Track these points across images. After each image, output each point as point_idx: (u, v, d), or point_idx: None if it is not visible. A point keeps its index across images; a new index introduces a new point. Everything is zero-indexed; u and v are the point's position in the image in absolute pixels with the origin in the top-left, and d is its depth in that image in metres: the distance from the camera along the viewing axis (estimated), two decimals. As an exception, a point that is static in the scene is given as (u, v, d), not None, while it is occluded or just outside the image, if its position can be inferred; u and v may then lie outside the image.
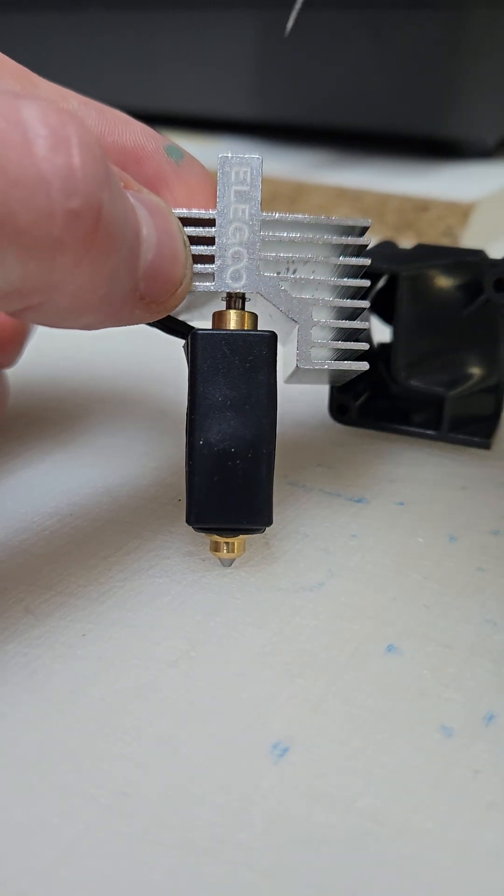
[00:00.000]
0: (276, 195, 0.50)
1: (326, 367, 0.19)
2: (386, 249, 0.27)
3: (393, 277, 0.24)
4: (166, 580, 0.19)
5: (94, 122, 0.19)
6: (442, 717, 0.15)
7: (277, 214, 0.18)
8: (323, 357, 0.19)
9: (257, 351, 0.18)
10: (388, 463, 0.24)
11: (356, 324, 0.19)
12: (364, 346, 0.19)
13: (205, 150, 0.24)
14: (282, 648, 0.17)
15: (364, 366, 0.19)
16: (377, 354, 0.26)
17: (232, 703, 0.16)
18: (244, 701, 0.16)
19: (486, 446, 0.24)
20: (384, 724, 0.15)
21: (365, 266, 0.19)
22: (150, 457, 0.24)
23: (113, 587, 0.19)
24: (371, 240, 0.19)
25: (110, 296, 0.15)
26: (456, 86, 0.51)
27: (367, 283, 0.19)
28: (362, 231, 0.19)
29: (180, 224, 0.17)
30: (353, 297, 0.19)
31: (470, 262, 0.24)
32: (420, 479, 0.23)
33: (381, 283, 0.24)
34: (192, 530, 0.18)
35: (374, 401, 0.26)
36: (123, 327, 0.17)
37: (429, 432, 0.25)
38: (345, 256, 0.19)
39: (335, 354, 0.19)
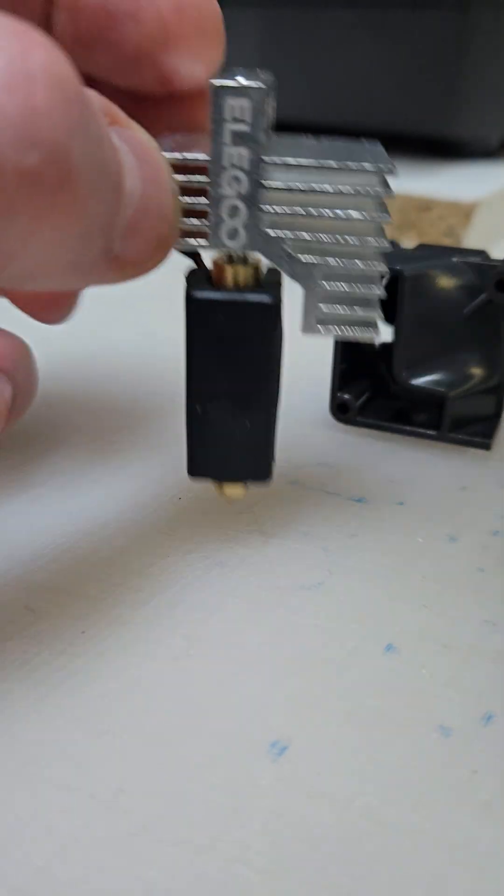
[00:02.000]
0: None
1: (332, 334, 0.17)
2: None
3: (395, 277, 0.24)
4: (165, 578, 0.19)
5: None
6: (440, 716, 0.15)
7: (285, 158, 0.15)
8: (330, 322, 0.17)
9: (258, 316, 0.16)
10: (389, 463, 0.24)
11: (367, 289, 0.17)
12: (374, 314, 0.17)
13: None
14: (280, 647, 0.17)
15: (372, 336, 0.17)
16: (378, 354, 0.26)
17: (230, 702, 0.16)
18: (242, 699, 0.16)
19: (487, 447, 0.24)
20: (382, 724, 0.15)
21: (381, 225, 0.16)
22: (150, 455, 0.24)
23: (112, 585, 0.19)
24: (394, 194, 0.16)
25: (78, 261, 0.13)
26: (459, 85, 0.51)
27: (388, 246, 0.17)
28: (384, 183, 0.16)
29: (171, 169, 0.15)
30: (366, 261, 0.17)
31: (472, 263, 0.24)
32: (420, 479, 0.23)
33: (382, 283, 0.24)
34: (191, 530, 0.18)
35: (374, 400, 0.26)
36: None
37: (429, 432, 0.25)
38: (357, 211, 0.16)
39: (343, 321, 0.17)
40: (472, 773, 0.14)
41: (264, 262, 0.17)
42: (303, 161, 0.15)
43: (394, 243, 0.28)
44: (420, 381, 0.24)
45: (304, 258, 0.16)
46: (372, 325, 0.17)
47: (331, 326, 0.17)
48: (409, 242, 0.32)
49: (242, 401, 0.17)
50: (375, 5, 0.51)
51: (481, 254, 0.25)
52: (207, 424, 0.17)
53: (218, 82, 0.14)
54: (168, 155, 0.15)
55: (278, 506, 0.22)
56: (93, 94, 0.13)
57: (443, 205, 0.45)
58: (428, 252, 0.26)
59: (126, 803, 0.14)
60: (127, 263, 0.14)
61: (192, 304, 0.16)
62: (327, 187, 0.16)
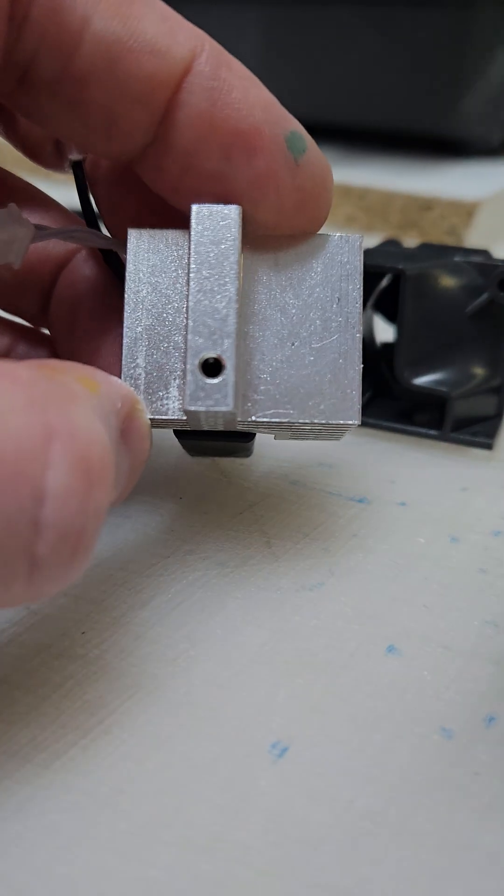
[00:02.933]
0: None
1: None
2: (390, 248, 0.27)
3: (397, 276, 0.24)
4: (166, 579, 0.19)
5: (203, 90, 0.14)
6: (442, 718, 0.15)
7: (254, 416, 0.17)
8: (301, 439, 0.19)
9: (240, 450, 0.19)
10: (390, 463, 0.24)
11: (334, 431, 0.18)
12: (342, 434, 0.18)
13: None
14: (282, 648, 0.17)
15: (336, 439, 0.19)
16: (380, 354, 0.26)
17: (231, 703, 0.16)
18: (243, 700, 0.16)
19: (489, 447, 0.24)
20: (383, 725, 0.15)
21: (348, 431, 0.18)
22: (151, 453, 0.24)
23: (112, 585, 0.19)
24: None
25: None
26: (461, 83, 0.51)
27: (350, 430, 0.18)
28: (352, 426, 0.17)
29: (151, 439, 0.16)
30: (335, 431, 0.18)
31: (474, 262, 0.24)
32: (422, 480, 0.23)
33: (385, 282, 0.24)
34: (192, 530, 0.19)
35: (376, 400, 0.26)
36: None
37: (431, 433, 0.25)
38: (335, 432, 0.18)
39: (313, 438, 0.19)
40: (473, 775, 0.14)
41: None
42: (277, 420, 0.17)
43: (396, 243, 0.28)
44: (422, 380, 0.24)
45: (281, 436, 0.19)
46: (339, 436, 0.19)
47: (298, 441, 0.19)
48: (410, 242, 0.32)
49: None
50: (378, 3, 0.50)
51: (483, 253, 0.25)
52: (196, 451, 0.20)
53: (192, 407, 0.16)
54: (153, 416, 0.16)
55: (279, 506, 0.22)
56: (117, 419, 0.14)
57: (445, 204, 0.45)
58: (430, 251, 0.26)
59: (126, 804, 0.14)
60: None
61: (181, 441, 0.18)
62: (303, 429, 0.17)
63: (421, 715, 0.15)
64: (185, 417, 0.16)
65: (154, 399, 0.16)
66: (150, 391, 0.16)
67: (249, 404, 0.17)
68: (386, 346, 0.26)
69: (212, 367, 0.16)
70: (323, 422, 0.17)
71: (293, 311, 0.17)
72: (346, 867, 0.13)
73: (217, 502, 0.22)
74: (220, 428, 0.17)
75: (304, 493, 0.22)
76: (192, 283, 0.16)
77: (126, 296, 0.17)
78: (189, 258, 0.16)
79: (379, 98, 0.53)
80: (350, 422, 0.17)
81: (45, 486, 0.11)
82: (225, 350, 0.16)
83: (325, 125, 0.57)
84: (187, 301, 0.16)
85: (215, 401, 0.15)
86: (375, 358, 0.26)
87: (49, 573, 0.12)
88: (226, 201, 0.16)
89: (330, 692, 0.16)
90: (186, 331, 0.16)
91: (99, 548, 0.20)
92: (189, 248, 0.16)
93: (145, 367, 0.17)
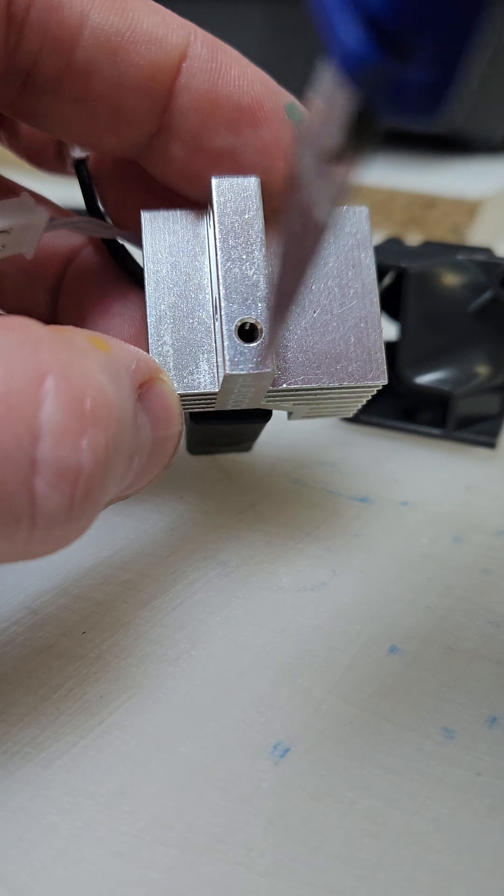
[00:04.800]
0: (283, 191, 0.50)
1: (312, 418, 0.19)
2: (392, 246, 0.27)
3: (400, 274, 0.23)
4: (167, 578, 0.19)
5: (202, 72, 0.15)
6: (444, 719, 0.15)
7: (285, 384, 0.17)
8: (314, 416, 0.19)
9: (253, 429, 0.19)
10: (393, 462, 0.24)
11: (346, 406, 0.18)
12: (353, 411, 0.19)
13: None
14: (283, 648, 0.17)
15: (349, 413, 0.19)
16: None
17: (232, 703, 0.16)
18: (245, 701, 0.16)
19: (492, 446, 0.24)
20: (386, 726, 0.15)
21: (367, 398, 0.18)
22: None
23: (114, 585, 0.19)
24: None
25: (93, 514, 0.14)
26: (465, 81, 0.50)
27: (363, 401, 0.18)
28: (374, 388, 0.17)
29: (181, 413, 0.16)
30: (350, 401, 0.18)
31: (477, 260, 0.24)
32: (425, 479, 0.23)
33: (387, 280, 0.24)
34: (193, 529, 0.18)
35: (379, 399, 0.26)
36: None
37: (434, 431, 0.25)
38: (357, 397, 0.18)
39: (326, 415, 0.19)
40: (476, 776, 0.14)
41: None
42: (308, 386, 0.17)
43: (398, 241, 0.28)
44: (425, 379, 0.24)
45: (298, 413, 0.18)
46: (352, 411, 0.19)
47: (315, 417, 0.19)
48: (413, 240, 0.32)
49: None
50: None
51: (486, 251, 0.25)
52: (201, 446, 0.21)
53: (233, 371, 0.15)
54: (183, 390, 0.16)
55: (281, 505, 0.22)
56: (129, 381, 0.14)
57: (448, 202, 0.45)
58: (433, 249, 0.26)
59: (127, 805, 0.14)
60: (133, 489, 0.15)
61: (194, 421, 0.18)
62: (328, 397, 0.17)
63: (423, 715, 0.15)
64: (215, 391, 0.16)
65: (184, 374, 0.16)
66: (180, 367, 0.16)
67: (279, 373, 0.17)
68: (388, 344, 0.26)
69: (248, 333, 0.16)
70: (352, 385, 0.17)
71: (311, 281, 0.17)
72: (347, 869, 0.13)
73: (218, 501, 0.22)
74: (246, 404, 0.17)
75: (305, 492, 0.22)
76: (219, 252, 0.16)
77: (146, 276, 0.17)
78: (214, 229, 0.16)
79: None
80: (378, 382, 0.17)
81: (39, 423, 0.12)
82: (260, 314, 0.16)
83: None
84: (217, 271, 0.16)
85: (255, 364, 0.15)
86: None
87: (50, 516, 0.12)
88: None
89: (332, 693, 0.16)
90: (220, 299, 0.16)
91: (99, 547, 0.20)
92: (213, 220, 0.16)
93: (172, 343, 0.17)
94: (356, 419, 0.25)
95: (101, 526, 0.21)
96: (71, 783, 0.14)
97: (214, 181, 0.16)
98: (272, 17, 0.54)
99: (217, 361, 0.16)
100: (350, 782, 0.14)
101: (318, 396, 0.17)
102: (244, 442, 0.20)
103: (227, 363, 0.15)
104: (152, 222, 0.17)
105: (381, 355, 0.17)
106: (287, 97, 0.16)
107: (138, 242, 0.17)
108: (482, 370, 0.24)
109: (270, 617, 0.18)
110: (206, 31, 0.16)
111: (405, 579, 0.19)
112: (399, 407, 0.26)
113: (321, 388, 0.17)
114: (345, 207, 0.17)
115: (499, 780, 0.14)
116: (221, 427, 0.18)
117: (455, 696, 0.16)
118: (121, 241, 0.19)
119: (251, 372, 0.15)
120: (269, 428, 0.19)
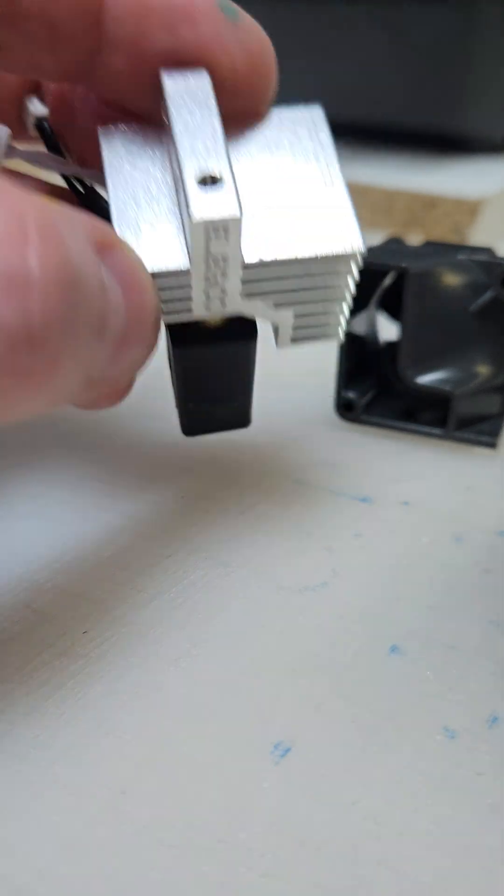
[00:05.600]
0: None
1: (303, 344, 0.19)
2: (393, 246, 0.27)
3: (400, 274, 0.23)
4: (168, 578, 0.19)
5: None
6: (445, 718, 0.15)
7: (260, 257, 0.16)
8: (301, 339, 0.18)
9: (239, 353, 0.18)
10: (394, 462, 0.24)
11: (334, 318, 0.18)
12: (341, 328, 0.18)
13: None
14: (284, 648, 0.17)
15: (339, 338, 0.19)
16: (384, 352, 0.26)
17: (233, 703, 0.16)
18: (246, 700, 0.16)
19: (493, 446, 0.24)
20: (386, 725, 0.15)
21: (351, 287, 0.18)
22: (153, 452, 0.24)
23: (115, 585, 0.19)
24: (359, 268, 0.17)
25: (60, 398, 0.14)
26: (465, 80, 0.50)
27: (348, 300, 0.18)
28: (354, 259, 0.17)
29: (154, 286, 0.15)
30: (335, 302, 0.18)
31: (478, 260, 0.24)
32: (425, 479, 0.23)
33: (388, 280, 0.24)
34: (194, 529, 0.18)
35: (380, 399, 0.26)
36: None
37: (435, 431, 0.25)
38: (331, 280, 0.17)
39: (313, 335, 0.19)
40: (477, 776, 0.14)
41: None
42: (281, 256, 0.17)
43: (399, 241, 0.28)
44: (425, 379, 0.24)
45: (280, 311, 0.17)
46: (338, 327, 0.18)
47: (301, 340, 0.18)
48: (414, 239, 0.32)
49: (230, 403, 0.20)
50: (383, 0, 0.50)
51: (487, 251, 0.25)
52: (195, 414, 0.20)
53: (199, 217, 0.15)
54: (153, 268, 0.16)
55: (282, 505, 0.22)
56: (86, 229, 0.14)
57: (448, 201, 0.45)
58: (433, 249, 0.26)
59: (128, 805, 0.14)
60: (122, 361, 0.15)
61: (176, 350, 0.18)
62: (305, 271, 0.17)
63: (424, 715, 0.15)
64: (187, 268, 0.16)
65: (153, 255, 0.16)
66: (147, 248, 0.16)
67: (252, 250, 0.16)
68: (389, 344, 0.26)
69: (210, 182, 0.15)
70: (327, 253, 0.17)
71: (272, 171, 0.17)
72: (348, 869, 0.13)
73: (219, 501, 0.22)
74: (225, 308, 0.17)
75: (307, 491, 0.22)
76: (175, 126, 0.16)
77: (107, 179, 0.17)
78: (169, 114, 0.16)
79: (382, 96, 0.53)
80: (353, 247, 0.17)
81: None
82: (220, 164, 0.15)
83: (329, 123, 0.57)
84: (174, 142, 0.16)
85: (221, 208, 0.15)
86: (379, 356, 0.26)
87: (9, 333, 0.11)
88: None
89: (333, 692, 0.16)
90: (178, 158, 0.16)
91: (100, 547, 0.20)
92: (167, 106, 0.16)
93: (137, 227, 0.16)
94: (357, 420, 0.25)
95: (102, 526, 0.21)
96: (72, 783, 0.14)
97: (163, 72, 0.16)
98: (274, 18, 0.54)
99: (185, 239, 0.16)
100: (351, 782, 0.14)
101: (296, 287, 0.17)
102: (236, 397, 0.20)
103: (192, 211, 0.15)
104: (109, 136, 0.17)
105: (353, 220, 0.17)
106: None
107: (100, 180, 0.17)
108: (483, 370, 0.24)
109: (272, 617, 0.18)
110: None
111: (406, 579, 0.19)
112: (400, 407, 0.26)
113: (297, 260, 0.17)
114: (300, 106, 0.18)
115: (500, 780, 0.14)
116: (207, 355, 0.18)
117: (456, 696, 0.16)
118: (86, 181, 0.19)
119: (218, 216, 0.15)
120: (270, 428, 0.19)
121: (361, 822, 0.13)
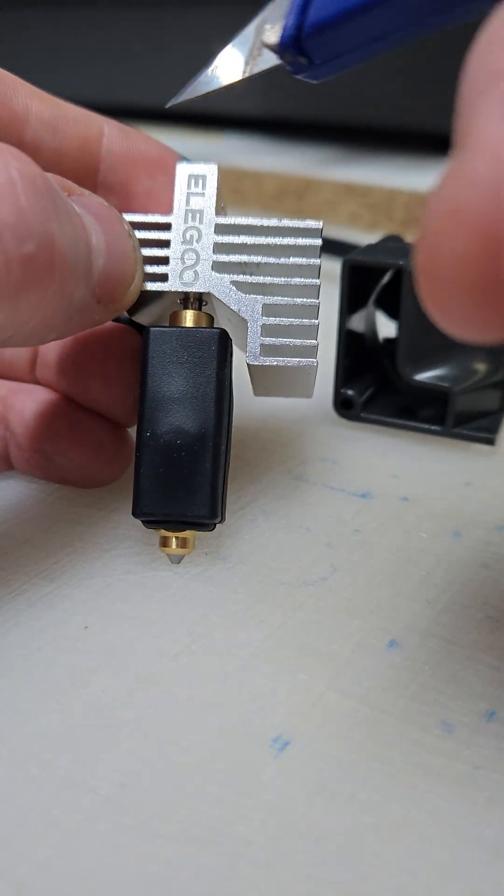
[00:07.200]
0: (285, 191, 0.50)
1: (275, 363, 0.19)
2: (391, 244, 0.27)
3: (398, 272, 0.24)
4: (168, 573, 0.19)
5: (118, 140, 0.20)
6: (442, 713, 0.15)
7: (231, 218, 0.19)
8: (272, 354, 0.19)
9: (206, 346, 0.18)
10: (393, 458, 0.24)
11: (305, 321, 0.19)
12: (313, 342, 0.19)
13: (212, 146, 0.24)
14: (283, 643, 0.17)
15: (312, 361, 0.19)
16: (382, 350, 0.26)
17: (233, 697, 0.16)
18: (245, 695, 0.16)
19: (491, 442, 0.24)
20: (385, 720, 0.15)
21: (316, 266, 0.19)
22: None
23: (115, 580, 0.19)
24: (321, 241, 0.19)
25: (71, 311, 0.16)
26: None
27: (316, 281, 0.19)
28: (317, 233, 0.19)
29: (128, 224, 0.18)
30: (304, 297, 0.19)
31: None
32: (424, 475, 0.23)
33: (386, 278, 0.24)
34: (197, 528, 0.18)
35: (378, 396, 0.26)
36: None
37: (434, 428, 0.25)
38: (297, 258, 0.19)
39: (284, 352, 0.19)
40: (474, 770, 0.14)
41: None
42: (250, 221, 0.19)
43: (397, 238, 0.28)
44: (424, 376, 0.24)
45: (249, 296, 0.19)
46: (311, 352, 0.19)
47: (272, 358, 0.19)
48: (414, 238, 0.32)
49: (190, 426, 0.18)
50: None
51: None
52: (156, 455, 0.18)
53: (182, 162, 0.19)
54: (133, 217, 0.18)
55: (281, 501, 0.22)
56: (52, 178, 0.16)
57: (448, 200, 0.45)
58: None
59: (127, 798, 0.14)
60: (108, 302, 0.17)
61: (149, 335, 0.18)
62: (271, 241, 0.19)
63: (422, 709, 0.15)
64: (166, 220, 0.19)
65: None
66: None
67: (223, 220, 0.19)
68: (388, 341, 0.26)
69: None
70: (291, 224, 0.19)
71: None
72: (346, 861, 0.13)
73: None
74: (197, 285, 0.18)
75: (306, 488, 0.22)
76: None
77: None
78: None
79: (383, 96, 0.53)
80: (314, 223, 0.19)
81: None
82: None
83: (329, 123, 0.57)
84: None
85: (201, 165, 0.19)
86: (377, 354, 0.26)
87: None
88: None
89: (332, 687, 0.16)
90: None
91: (101, 543, 0.20)
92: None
93: None
94: (356, 416, 0.25)
95: (103, 522, 0.21)
96: (72, 777, 0.14)
97: (179, 165, 0.19)
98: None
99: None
100: (349, 775, 0.14)
101: (263, 261, 0.18)
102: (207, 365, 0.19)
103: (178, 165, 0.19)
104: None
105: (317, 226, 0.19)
106: (179, 155, 0.21)
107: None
108: (481, 367, 0.24)
109: (271, 611, 0.18)
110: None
111: (405, 574, 0.19)
112: (398, 404, 0.26)
113: (263, 227, 0.19)
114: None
115: (497, 774, 0.14)
116: (174, 338, 0.18)
117: (454, 691, 0.16)
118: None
119: (198, 169, 0.19)
120: (270, 425, 0.19)
121: (360, 814, 0.14)
